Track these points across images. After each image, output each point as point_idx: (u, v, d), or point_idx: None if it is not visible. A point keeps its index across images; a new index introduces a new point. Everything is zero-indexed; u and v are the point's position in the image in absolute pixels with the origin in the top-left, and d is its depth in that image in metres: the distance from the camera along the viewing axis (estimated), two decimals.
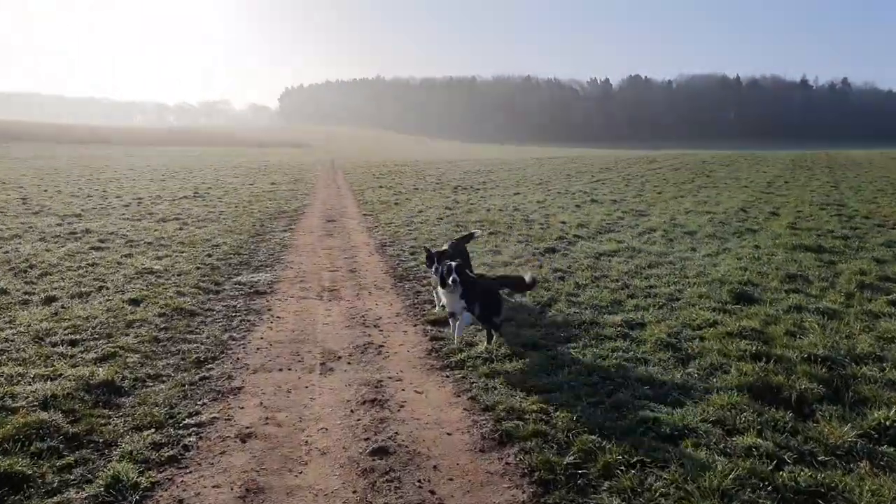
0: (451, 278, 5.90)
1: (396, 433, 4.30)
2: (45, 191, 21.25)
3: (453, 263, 6.05)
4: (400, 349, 6.10)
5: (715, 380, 4.91)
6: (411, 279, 9.22)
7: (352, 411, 4.70)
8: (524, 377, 5.12)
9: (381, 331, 6.71)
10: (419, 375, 5.43)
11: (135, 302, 7.31)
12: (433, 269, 6.83)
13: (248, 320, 6.95)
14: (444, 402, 4.82)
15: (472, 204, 18.75)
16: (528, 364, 5.40)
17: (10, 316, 6.61)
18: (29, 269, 8.87)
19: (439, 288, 6.22)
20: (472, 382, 5.14)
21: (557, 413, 4.35)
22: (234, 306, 7.55)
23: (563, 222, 14.51)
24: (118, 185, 25.10)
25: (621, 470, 3.56)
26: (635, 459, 3.64)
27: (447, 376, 5.38)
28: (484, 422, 4.40)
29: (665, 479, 3.44)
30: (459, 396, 4.91)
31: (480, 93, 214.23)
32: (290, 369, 5.54)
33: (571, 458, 3.74)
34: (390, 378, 5.36)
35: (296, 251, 11.44)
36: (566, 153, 77.33)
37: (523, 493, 3.48)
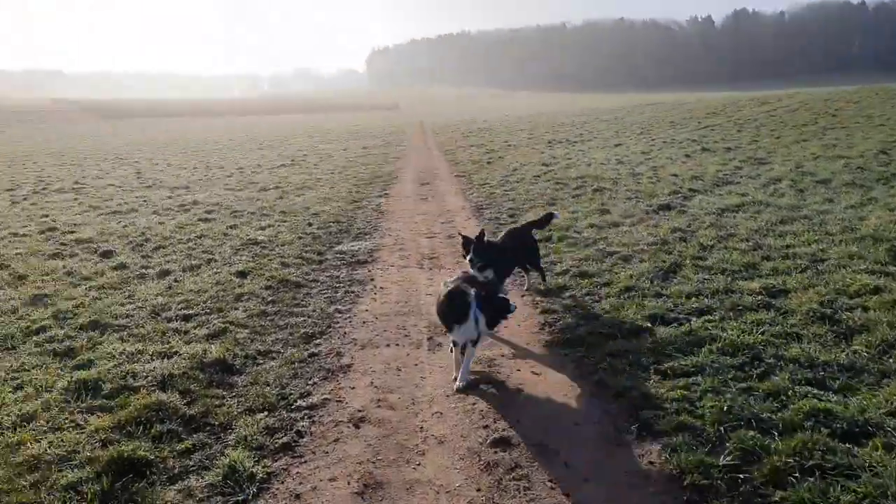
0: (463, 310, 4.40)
1: (518, 421, 3.94)
2: (157, 164, 22.35)
3: (469, 291, 4.53)
4: (509, 323, 5.70)
5: (891, 360, 4.15)
6: None
7: (466, 393, 4.38)
8: (656, 357, 4.58)
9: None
10: (534, 353, 5.03)
11: (242, 274, 7.34)
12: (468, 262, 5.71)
13: (352, 292, 6.79)
14: (567, 386, 4.40)
15: (569, 159, 17.88)
16: (659, 341, 4.85)
17: (130, 290, 6.80)
18: (145, 243, 9.19)
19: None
20: (597, 362, 4.67)
21: (703, 402, 3.80)
22: (338, 277, 7.43)
23: (675, 175, 13.45)
24: (220, 156, 26.08)
25: (795, 477, 2.99)
26: (811, 464, 3.06)
27: (565, 354, 4.94)
28: (616, 411, 3.94)
29: (857, 492, 2.84)
30: (583, 379, 4.47)
31: (572, 39, 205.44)
32: (397, 345, 5.30)
33: (728, 458, 3.22)
34: (503, 356, 4.99)
35: (392, 217, 11.26)
36: (665, 98, 72.96)
37: (675, 501, 3.01)
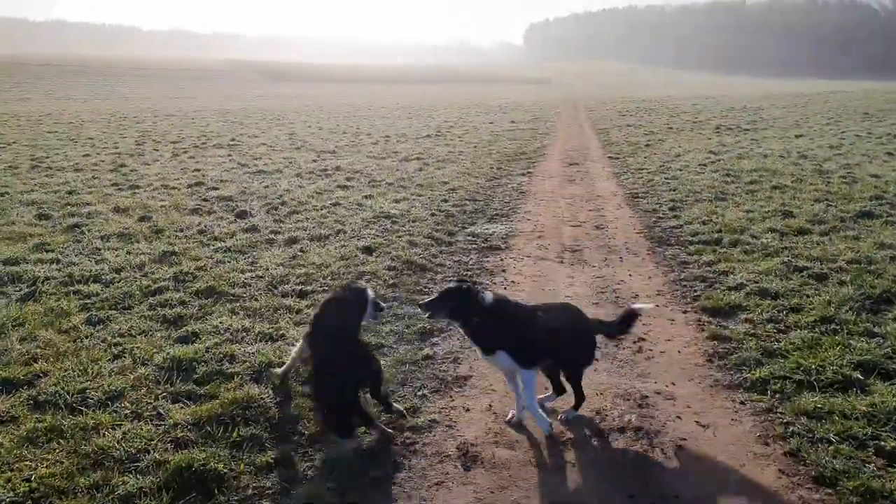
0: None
1: (676, 496, 2.95)
2: (309, 127, 23.04)
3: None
4: (667, 347, 4.63)
5: None
6: (673, 244, 7.50)
7: (607, 439, 3.46)
8: (876, 429, 3.34)
9: (639, 316, 5.27)
10: (699, 394, 3.95)
11: (368, 250, 6.85)
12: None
13: (479, 283, 6.01)
14: (744, 451, 3.31)
15: (742, 148, 15.72)
16: (877, 404, 3.57)
17: (255, 255, 6.56)
18: (280, 206, 9.08)
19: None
20: (787, 422, 3.52)
21: None
22: (466, 263, 6.71)
23: (875, 176, 11.19)
24: (370, 123, 26.44)
25: None
26: None
27: (742, 403, 3.81)
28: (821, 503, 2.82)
29: None
30: (768, 444, 3.35)
31: (750, 17, 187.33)
32: None
33: None
34: (658, 393, 3.96)
35: (534, 199, 10.32)
36: (857, 87, 64.04)
37: None
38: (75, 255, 6.16)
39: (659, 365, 4.36)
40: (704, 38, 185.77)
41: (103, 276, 5.58)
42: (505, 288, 5.92)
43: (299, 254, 6.64)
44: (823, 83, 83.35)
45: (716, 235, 7.55)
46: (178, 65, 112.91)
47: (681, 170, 12.78)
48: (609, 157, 15.47)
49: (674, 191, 10.65)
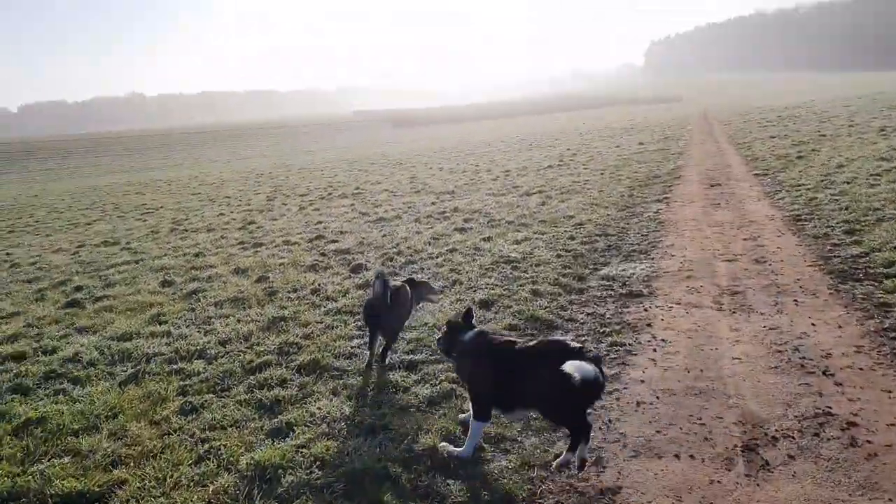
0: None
1: None
2: (430, 168, 23.02)
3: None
4: (890, 435, 3.38)
5: None
6: (863, 278, 6.03)
7: None
8: None
9: (840, 385, 4.01)
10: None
11: (486, 304, 6.10)
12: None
13: (622, 344, 5.01)
14: None
15: None
16: None
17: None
18: (396, 256, 8.63)
19: None
20: None
21: None
22: (602, 315, 5.72)
23: None
24: (489, 158, 26.04)
25: None
26: None
27: None
28: None
29: None
30: None
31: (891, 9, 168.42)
32: (692, 457, 3.39)
33: None
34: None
35: (675, 230, 9.08)
36: None
37: None
38: (186, 326, 5.98)
39: (886, 466, 3.14)
40: (846, 36, 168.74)
41: (209, 351, 5.28)
42: (654, 350, 4.87)
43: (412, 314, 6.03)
44: None
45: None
46: (310, 120, 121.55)
47: (848, 183, 10.87)
48: (756, 174, 13.70)
49: (846, 209, 8.94)
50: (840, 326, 4.98)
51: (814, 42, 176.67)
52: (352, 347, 5.16)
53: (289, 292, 7.00)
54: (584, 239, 8.78)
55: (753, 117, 31.68)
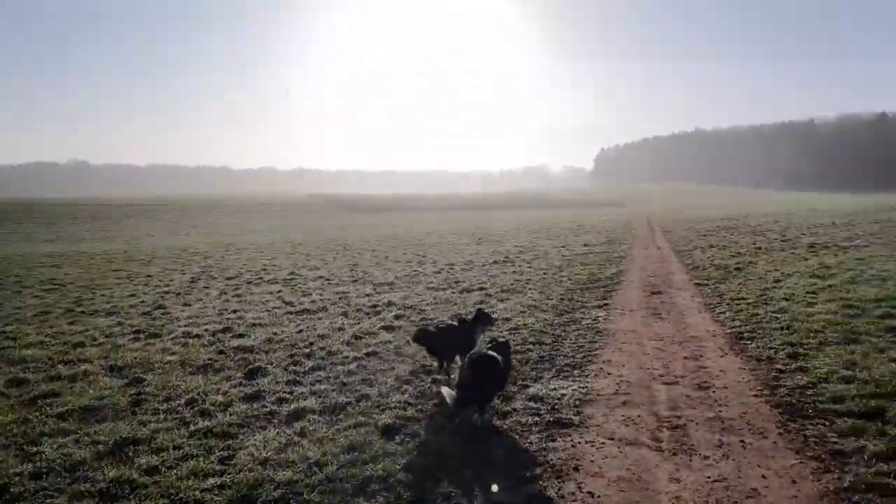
0: None
1: None
2: (376, 256, 22.23)
3: None
4: None
5: None
6: (812, 415, 5.40)
7: None
8: None
9: None
10: None
11: (390, 431, 5.14)
12: None
13: (543, 498, 4.10)
14: None
15: (850, 270, 13.28)
16: None
17: (238, 444, 4.94)
18: (304, 360, 7.62)
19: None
20: None
21: None
22: (524, 452, 4.83)
23: None
24: (437, 250, 25.56)
25: None
26: None
27: None
28: None
29: None
30: None
31: (819, 137, 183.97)
32: None
33: None
34: None
35: (613, 342, 8.42)
36: None
37: None
38: (4, 448, 4.76)
39: None
40: (776, 157, 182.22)
41: (12, 488, 4.09)
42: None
43: (296, 439, 4.99)
44: None
45: (871, 403, 5.43)
46: (262, 199, 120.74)
47: (787, 300, 10.59)
48: (696, 283, 13.46)
49: (787, 329, 8.51)
50: (795, 482, 4.23)
51: (745, 161, 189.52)
52: (202, 492, 4.06)
53: (160, 402, 5.86)
54: (518, 347, 8.02)
55: (695, 227, 32.59)
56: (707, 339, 8.46)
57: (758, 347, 7.81)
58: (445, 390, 5.26)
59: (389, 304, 11.75)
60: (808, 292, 11.11)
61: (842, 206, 50.27)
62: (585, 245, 24.13)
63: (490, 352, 5.51)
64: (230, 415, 5.52)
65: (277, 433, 5.10)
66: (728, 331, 8.89)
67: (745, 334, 8.57)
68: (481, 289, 13.42)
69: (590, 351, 7.97)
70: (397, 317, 10.36)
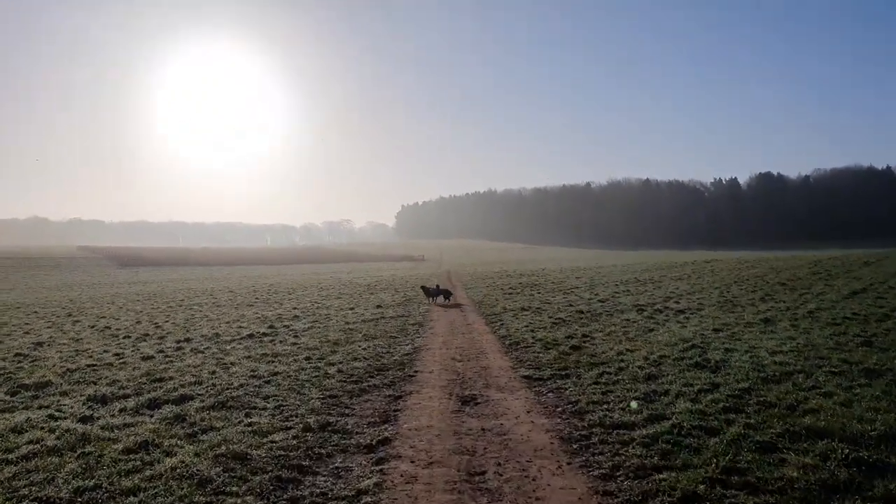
0: None
1: None
2: (117, 319, 15.88)
3: None
4: None
5: None
6: None
7: None
8: None
9: None
10: None
11: None
12: None
13: None
14: None
15: (704, 343, 10.30)
16: None
17: None
18: None
19: None
20: None
21: None
22: None
23: None
24: (192, 313, 19.80)
25: None
26: None
27: None
28: None
29: None
30: None
31: (595, 198, 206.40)
32: None
33: None
34: None
35: None
36: (701, 256, 66.22)
37: None
38: None
39: None
40: (559, 217, 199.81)
41: None
42: None
43: None
44: (670, 253, 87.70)
45: None
46: (21, 253, 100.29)
47: (701, 422, 6.81)
48: (524, 376, 9.13)
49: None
50: None
51: (532, 220, 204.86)
52: None
53: None
54: None
55: (497, 283, 29.93)
56: None
57: None
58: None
59: (114, 381, 5.95)
60: (723, 407, 6.88)
61: (625, 261, 52.88)
62: (379, 306, 19.59)
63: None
64: None
65: None
66: (604, 490, 4.69)
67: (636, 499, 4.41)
68: (194, 395, 8.19)
69: None
70: (99, 403, 4.67)
